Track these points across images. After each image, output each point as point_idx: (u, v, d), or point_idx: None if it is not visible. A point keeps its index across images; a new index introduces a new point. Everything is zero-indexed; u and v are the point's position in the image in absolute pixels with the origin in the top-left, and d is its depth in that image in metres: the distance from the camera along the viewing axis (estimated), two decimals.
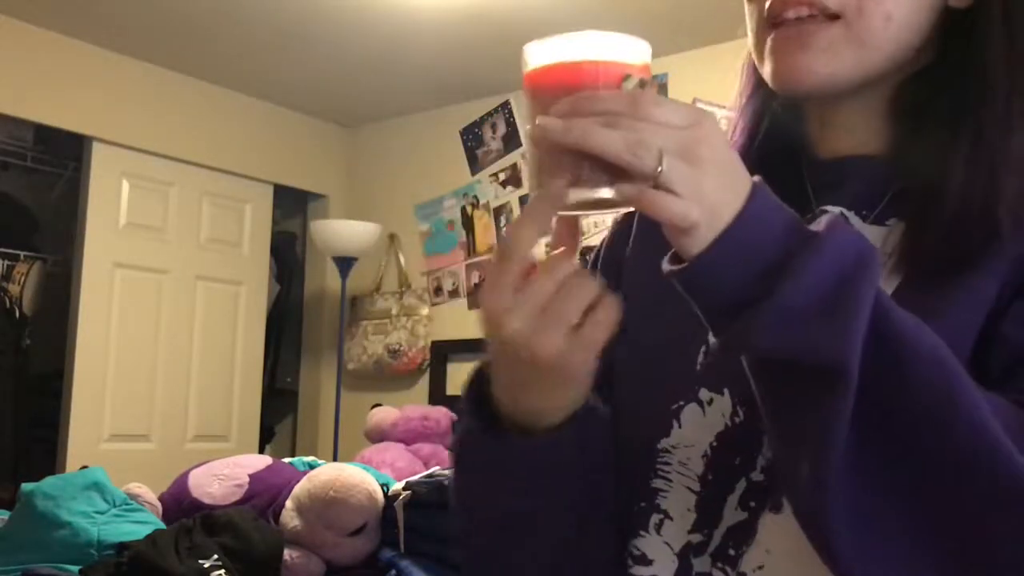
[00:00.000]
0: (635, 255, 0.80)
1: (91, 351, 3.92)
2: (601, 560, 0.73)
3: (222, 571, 1.78)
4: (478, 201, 4.43)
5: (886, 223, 0.69)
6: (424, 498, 1.87)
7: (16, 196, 4.48)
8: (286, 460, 2.30)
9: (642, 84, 0.57)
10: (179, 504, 2.09)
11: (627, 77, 0.56)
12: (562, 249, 0.61)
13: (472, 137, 4.47)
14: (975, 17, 0.68)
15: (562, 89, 0.56)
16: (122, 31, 3.83)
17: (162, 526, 1.98)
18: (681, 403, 0.71)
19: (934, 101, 0.69)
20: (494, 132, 4.41)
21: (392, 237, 4.66)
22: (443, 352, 4.40)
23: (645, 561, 0.71)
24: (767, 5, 0.69)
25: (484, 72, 4.03)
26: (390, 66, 4.10)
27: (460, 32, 3.65)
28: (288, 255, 5.07)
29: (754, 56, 0.73)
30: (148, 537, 1.85)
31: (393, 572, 1.87)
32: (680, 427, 0.70)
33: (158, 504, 2.11)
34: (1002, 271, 0.63)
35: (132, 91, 4.07)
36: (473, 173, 4.46)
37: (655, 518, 0.71)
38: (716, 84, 3.81)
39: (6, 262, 4.13)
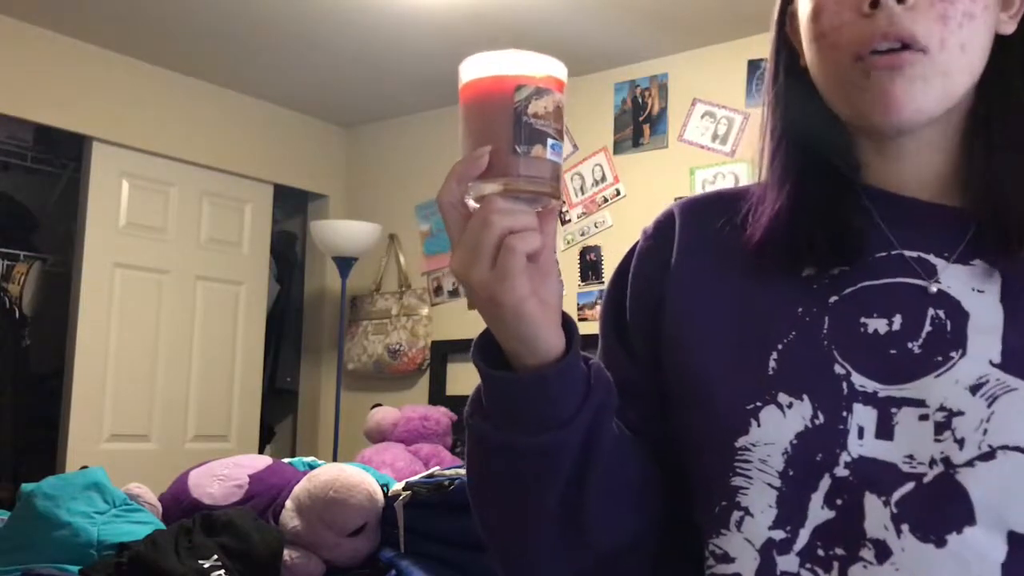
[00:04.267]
0: (688, 260, 0.81)
1: (91, 351, 3.92)
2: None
3: (222, 571, 1.78)
4: None
5: (971, 263, 0.71)
6: (424, 498, 1.86)
7: (16, 196, 4.48)
8: (286, 460, 2.29)
9: (538, 93, 0.66)
10: (179, 504, 2.09)
11: (519, 88, 0.66)
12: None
13: None
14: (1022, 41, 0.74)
15: (473, 100, 0.68)
16: (122, 31, 3.83)
17: (162, 526, 1.98)
18: (758, 404, 0.71)
19: (999, 120, 0.73)
20: None
21: (392, 237, 4.67)
22: (443, 352, 4.40)
23: (727, 559, 0.71)
24: (852, 46, 0.71)
25: None
26: (390, 66, 4.10)
27: (460, 32, 3.65)
28: (288, 255, 5.07)
29: (835, 93, 0.74)
30: (148, 537, 1.85)
31: (393, 572, 1.87)
32: (759, 426, 0.71)
33: (158, 504, 2.11)
34: None
35: (132, 91, 4.07)
36: None
37: (736, 515, 0.71)
38: (716, 84, 3.81)
39: (6, 262, 4.13)
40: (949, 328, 0.69)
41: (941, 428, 0.66)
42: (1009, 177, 0.71)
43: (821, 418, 0.69)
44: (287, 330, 4.99)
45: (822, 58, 0.74)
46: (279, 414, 5.02)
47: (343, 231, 4.32)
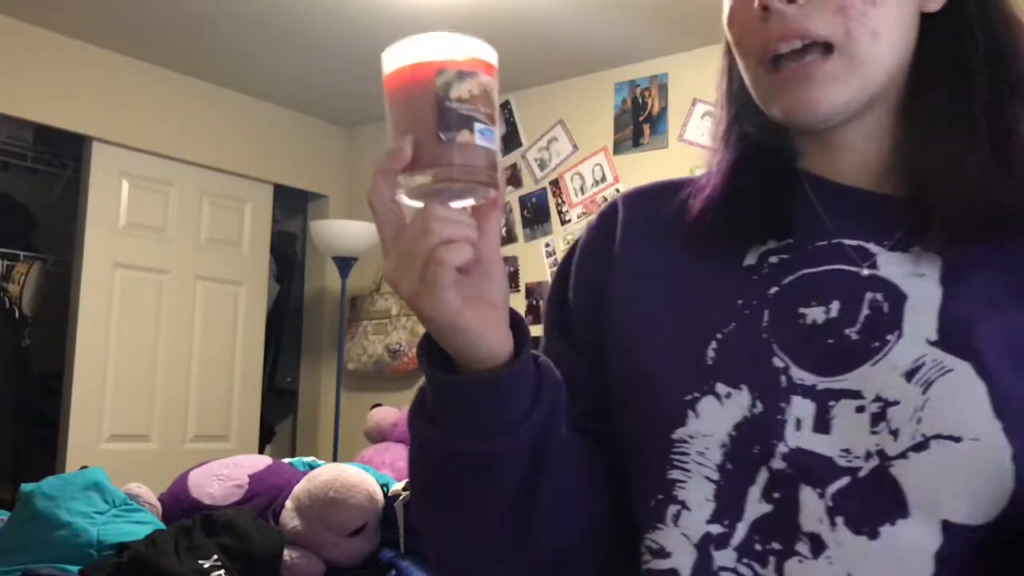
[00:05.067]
0: (630, 249, 0.80)
1: (91, 351, 3.92)
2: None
3: (222, 571, 1.78)
4: None
5: (909, 250, 0.70)
6: None
7: (16, 196, 4.48)
8: (286, 460, 2.30)
9: (460, 76, 0.62)
10: (179, 504, 2.09)
11: (440, 72, 0.63)
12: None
13: None
14: (951, 18, 0.72)
15: (395, 91, 0.65)
16: (122, 31, 3.83)
17: (162, 526, 1.98)
18: (696, 394, 0.70)
19: (926, 105, 0.72)
20: None
21: None
22: None
23: (663, 554, 0.70)
24: (755, 53, 0.71)
25: None
26: None
27: (460, 32, 3.64)
28: (288, 255, 5.07)
29: (758, 100, 0.74)
30: (148, 537, 1.85)
31: (393, 572, 1.87)
32: (697, 417, 0.70)
33: (158, 504, 2.11)
34: None
35: (132, 91, 4.07)
36: None
37: (672, 509, 0.70)
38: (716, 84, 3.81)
39: (6, 262, 4.13)
40: (886, 310, 0.68)
41: (877, 419, 0.65)
42: (938, 163, 0.70)
43: (759, 407, 0.68)
44: (287, 330, 4.98)
45: (741, 63, 0.74)
46: (279, 414, 5.02)
47: (343, 231, 4.32)
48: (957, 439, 0.62)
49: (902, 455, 0.64)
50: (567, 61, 4.00)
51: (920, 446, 0.63)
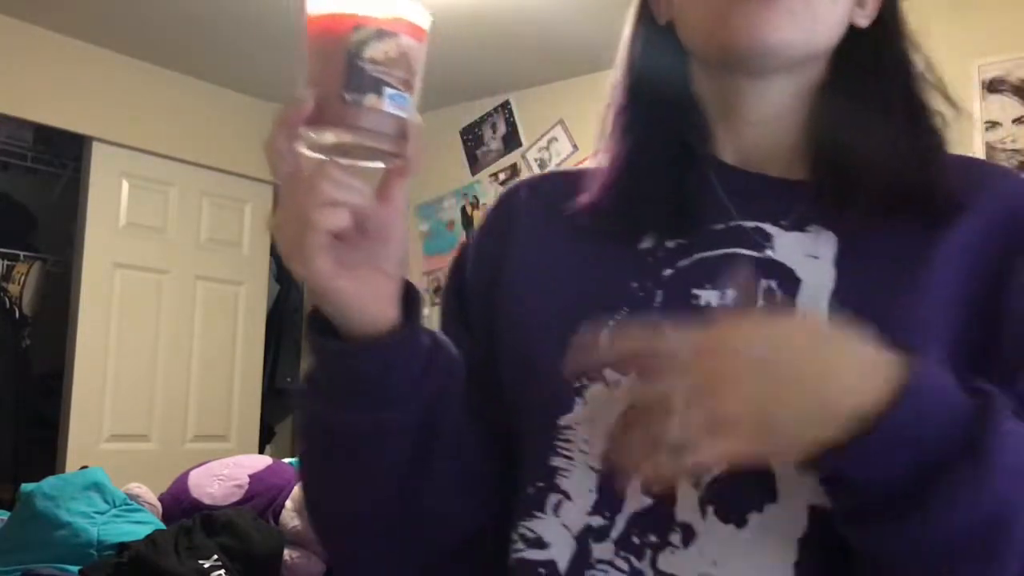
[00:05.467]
0: (527, 233, 0.78)
1: (91, 351, 3.92)
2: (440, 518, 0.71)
3: (222, 571, 1.78)
4: (478, 201, 4.43)
5: (806, 229, 0.70)
6: None
7: (16, 196, 4.48)
8: (286, 460, 2.30)
9: (379, 35, 0.59)
10: (179, 504, 2.09)
11: (356, 28, 0.59)
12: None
13: (472, 137, 4.47)
14: (874, 34, 0.73)
15: (311, 38, 0.61)
16: (122, 31, 3.83)
17: (162, 526, 1.98)
18: (585, 381, 0.68)
19: (832, 103, 0.72)
20: (494, 132, 4.42)
21: None
22: None
23: (540, 544, 0.68)
24: None
25: (484, 72, 4.03)
26: None
27: (460, 32, 3.65)
28: None
29: (703, 22, 0.70)
30: (148, 537, 1.85)
31: None
32: (585, 404, 0.68)
33: (158, 504, 2.11)
34: (970, 230, 0.66)
35: (132, 91, 4.06)
36: (473, 173, 4.46)
37: (553, 498, 0.68)
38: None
39: (6, 262, 4.12)
40: (780, 298, 0.67)
41: None
42: (846, 146, 0.70)
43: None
44: (287, 330, 4.98)
45: None
46: (279, 414, 5.01)
47: None
48: None
49: None
50: (567, 61, 4.00)
51: None
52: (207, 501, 2.05)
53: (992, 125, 3.17)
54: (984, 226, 0.67)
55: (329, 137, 0.60)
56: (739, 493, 0.63)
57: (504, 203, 0.82)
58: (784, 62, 0.70)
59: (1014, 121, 3.15)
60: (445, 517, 0.71)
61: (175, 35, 3.86)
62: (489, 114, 4.42)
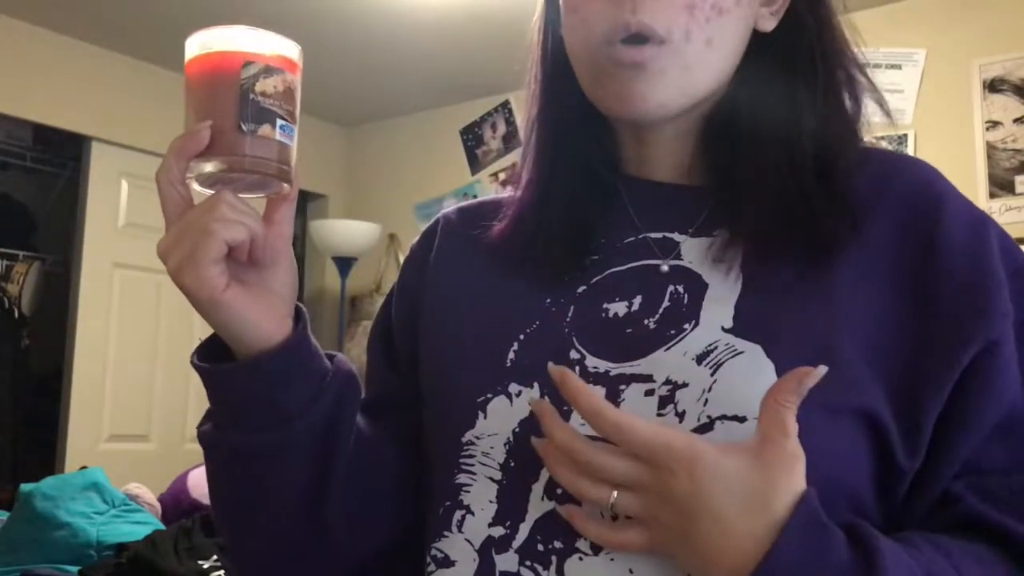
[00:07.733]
0: (441, 256, 0.80)
1: (90, 351, 3.92)
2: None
3: (221, 572, 1.77)
4: None
5: (713, 234, 0.70)
6: None
7: (15, 196, 4.48)
8: None
9: (267, 71, 0.64)
10: (178, 504, 2.09)
11: (247, 64, 0.64)
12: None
13: (472, 137, 4.47)
14: (784, 38, 0.72)
15: (198, 77, 0.68)
16: (122, 31, 3.83)
17: (161, 527, 1.98)
18: (489, 396, 0.69)
19: (742, 119, 0.71)
20: (494, 132, 4.41)
21: (392, 237, 4.66)
22: None
23: (447, 563, 0.67)
24: (599, 28, 0.68)
25: (484, 72, 4.03)
26: (390, 66, 4.10)
27: (460, 32, 3.65)
28: None
29: (584, 77, 0.72)
30: (147, 538, 1.85)
31: None
32: (486, 418, 0.68)
33: (157, 504, 2.11)
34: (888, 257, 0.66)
35: (132, 91, 4.06)
36: (473, 173, 4.46)
37: (458, 515, 0.68)
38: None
39: (5, 262, 4.12)
40: (686, 301, 0.67)
41: (665, 402, 0.63)
42: (747, 159, 0.70)
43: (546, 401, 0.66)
44: None
45: (574, 34, 0.71)
46: None
47: (343, 231, 4.32)
48: (742, 419, 0.61)
49: None
50: None
51: (705, 427, 0.61)
52: (207, 501, 2.04)
53: (993, 125, 3.17)
54: (891, 226, 0.67)
55: (221, 166, 0.63)
56: None
57: (425, 236, 0.84)
58: (666, 117, 0.70)
59: (1015, 121, 3.15)
60: (354, 527, 0.71)
61: (175, 35, 3.85)
62: (489, 114, 4.41)
